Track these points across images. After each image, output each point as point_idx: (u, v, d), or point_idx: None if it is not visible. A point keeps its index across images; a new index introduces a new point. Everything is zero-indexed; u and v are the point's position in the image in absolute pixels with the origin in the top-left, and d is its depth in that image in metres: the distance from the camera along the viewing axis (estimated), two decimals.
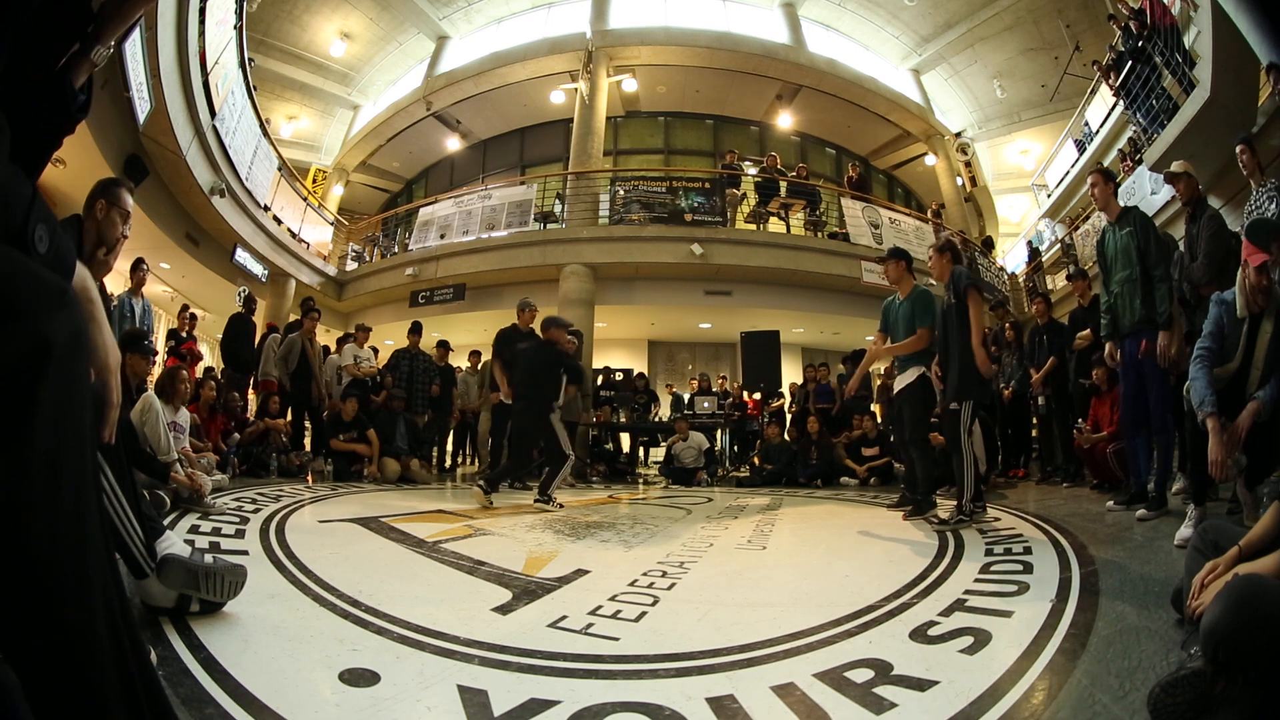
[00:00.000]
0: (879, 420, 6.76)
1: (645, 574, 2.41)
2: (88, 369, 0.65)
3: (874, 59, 13.60)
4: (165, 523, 2.17)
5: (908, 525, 3.49)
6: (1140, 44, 7.69)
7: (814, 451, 6.47)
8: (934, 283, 4.06)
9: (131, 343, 3.88)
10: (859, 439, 6.40)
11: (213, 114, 7.95)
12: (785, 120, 13.62)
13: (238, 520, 3.09)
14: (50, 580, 0.58)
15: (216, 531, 2.83)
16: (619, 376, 8.64)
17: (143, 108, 6.61)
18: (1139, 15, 7.89)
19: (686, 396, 8.94)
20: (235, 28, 8.65)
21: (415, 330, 7.11)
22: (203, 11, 7.26)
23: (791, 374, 9.59)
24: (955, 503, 3.44)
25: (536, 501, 4.31)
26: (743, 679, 1.46)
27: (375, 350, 7.42)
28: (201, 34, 7.35)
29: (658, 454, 8.99)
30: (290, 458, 5.62)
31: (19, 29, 0.70)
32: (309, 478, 5.46)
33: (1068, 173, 12.17)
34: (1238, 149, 3.66)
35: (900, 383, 4.11)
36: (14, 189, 0.62)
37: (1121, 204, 3.57)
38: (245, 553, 2.48)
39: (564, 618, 1.86)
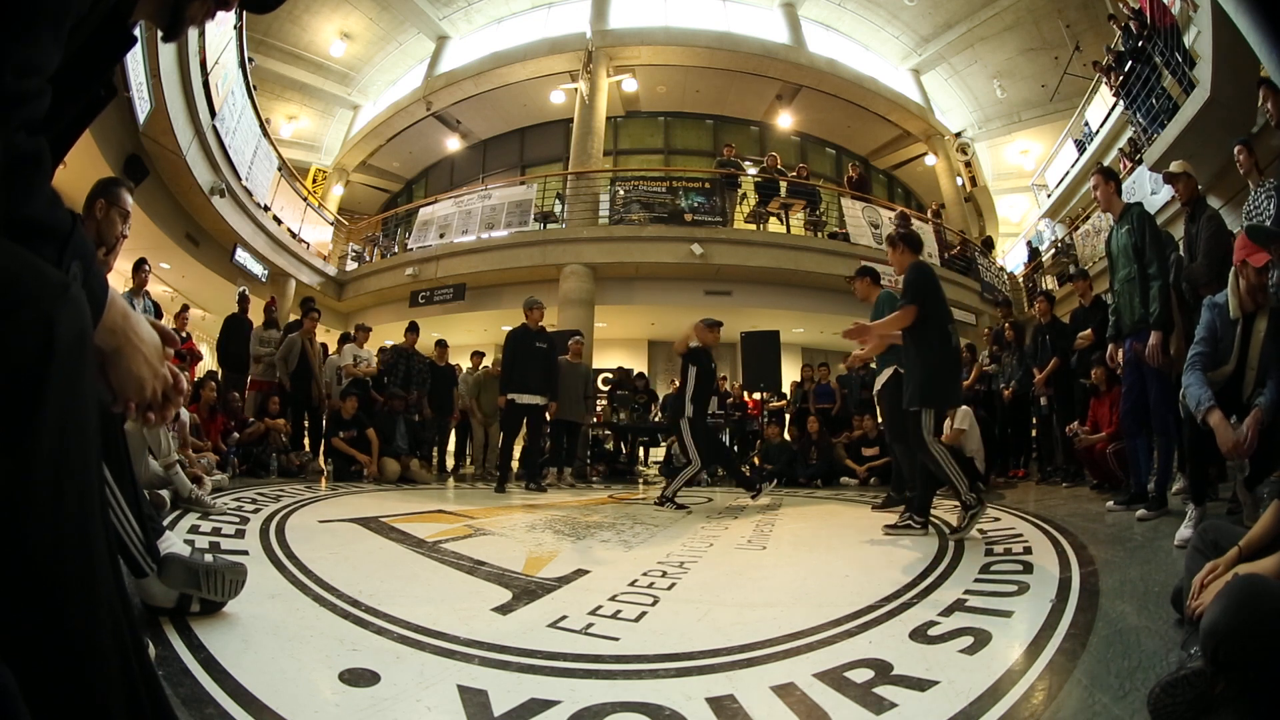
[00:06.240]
0: (879, 420, 6.76)
1: (645, 574, 2.41)
2: (93, 370, 0.65)
3: (874, 59, 13.61)
4: (165, 523, 2.17)
5: (908, 524, 3.48)
6: (1140, 44, 7.69)
7: (814, 451, 6.47)
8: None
9: None
10: (859, 439, 6.40)
11: (213, 114, 7.95)
12: (785, 120, 13.63)
13: (238, 520, 3.08)
14: (54, 584, 0.58)
15: (216, 531, 2.83)
16: (614, 376, 8.65)
17: (143, 108, 6.62)
18: (1139, 15, 7.90)
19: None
20: (235, 28, 8.66)
21: (412, 330, 7.09)
22: None
23: (791, 374, 9.59)
24: (958, 505, 3.11)
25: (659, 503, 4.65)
26: (743, 679, 1.45)
27: (384, 349, 7.40)
28: (201, 34, 7.34)
29: (658, 454, 8.99)
30: (290, 458, 5.62)
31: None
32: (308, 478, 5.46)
33: (1068, 173, 12.18)
34: (1235, 150, 3.66)
35: (878, 382, 4.19)
36: (52, 222, 0.63)
37: (1125, 201, 3.55)
38: (245, 553, 2.48)
39: (564, 618, 1.86)
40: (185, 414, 3.99)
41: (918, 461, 3.57)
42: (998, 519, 3.44)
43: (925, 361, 3.14)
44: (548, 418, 6.54)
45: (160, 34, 0.88)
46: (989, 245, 12.97)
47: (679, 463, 6.56)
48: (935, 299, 3.21)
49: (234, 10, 0.91)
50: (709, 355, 4.92)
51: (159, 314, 5.45)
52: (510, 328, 5.82)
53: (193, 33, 7.09)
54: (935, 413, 3.12)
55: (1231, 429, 2.18)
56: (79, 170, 6.17)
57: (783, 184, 10.23)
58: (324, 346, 7.14)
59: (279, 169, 10.64)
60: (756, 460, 6.96)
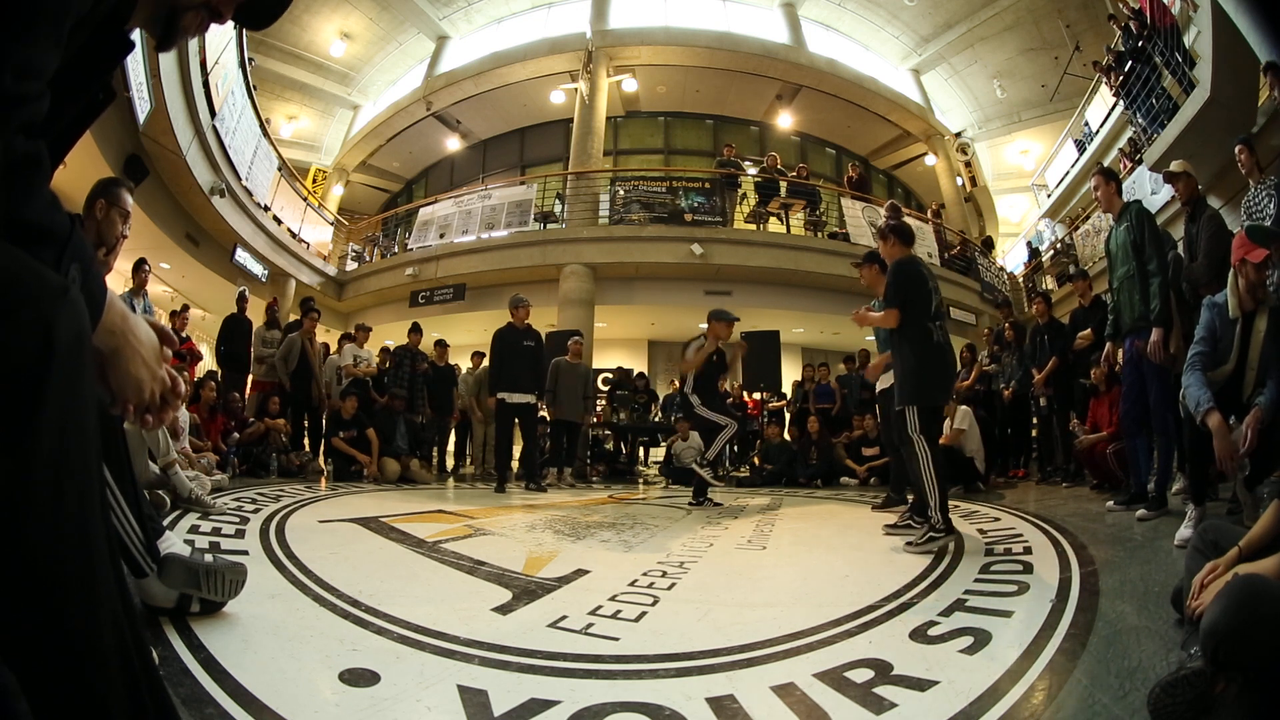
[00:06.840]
0: (879, 420, 6.76)
1: (645, 574, 2.41)
2: (92, 371, 0.65)
3: (874, 59, 13.61)
4: (165, 523, 2.17)
5: (908, 524, 3.48)
6: (1140, 44, 7.69)
7: (814, 451, 6.48)
8: None
9: None
10: (859, 439, 6.40)
11: (213, 114, 7.95)
12: (785, 120, 13.63)
13: (238, 520, 3.08)
14: (54, 584, 0.58)
15: (216, 531, 2.83)
16: (613, 375, 8.66)
17: (143, 108, 6.61)
18: (1139, 15, 7.90)
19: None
20: (235, 28, 8.65)
21: (415, 330, 7.11)
22: None
23: (792, 374, 9.59)
24: (924, 520, 2.98)
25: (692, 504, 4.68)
26: (743, 679, 1.46)
27: (386, 350, 7.41)
28: (200, 36, 7.35)
29: (658, 454, 8.99)
30: (290, 458, 5.62)
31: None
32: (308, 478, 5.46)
33: (1068, 173, 12.17)
34: (1236, 148, 3.67)
35: (883, 384, 4.16)
36: (51, 225, 0.63)
37: (1124, 199, 3.55)
38: (245, 553, 2.48)
39: (564, 618, 1.86)
40: (185, 414, 3.99)
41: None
42: (998, 519, 3.44)
43: (907, 360, 3.12)
44: (547, 417, 6.54)
45: (155, 43, 0.88)
46: (989, 245, 12.97)
47: (680, 462, 6.58)
48: (917, 297, 3.13)
49: (228, 23, 0.91)
50: (718, 351, 4.91)
51: (152, 315, 5.45)
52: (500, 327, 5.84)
53: None
54: (921, 409, 3.06)
55: (1230, 435, 2.18)
56: (79, 170, 6.17)
57: (783, 184, 10.23)
58: (325, 346, 7.14)
59: (279, 169, 10.64)
60: (757, 460, 6.96)
